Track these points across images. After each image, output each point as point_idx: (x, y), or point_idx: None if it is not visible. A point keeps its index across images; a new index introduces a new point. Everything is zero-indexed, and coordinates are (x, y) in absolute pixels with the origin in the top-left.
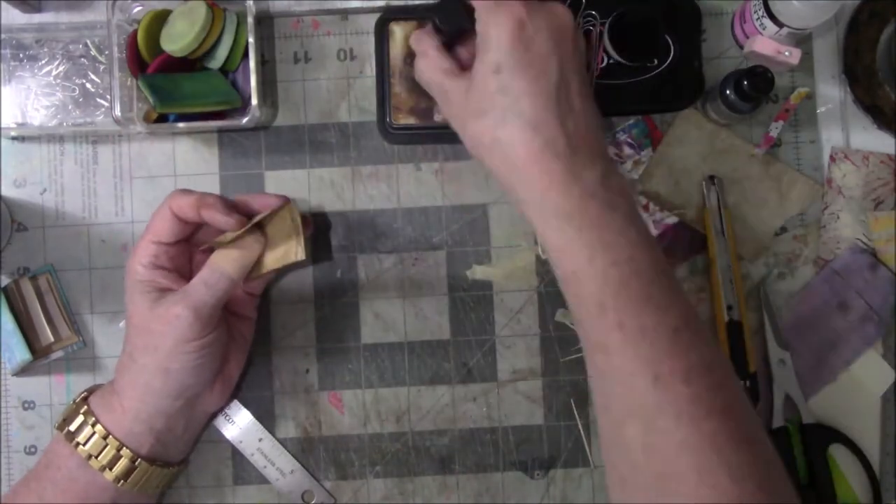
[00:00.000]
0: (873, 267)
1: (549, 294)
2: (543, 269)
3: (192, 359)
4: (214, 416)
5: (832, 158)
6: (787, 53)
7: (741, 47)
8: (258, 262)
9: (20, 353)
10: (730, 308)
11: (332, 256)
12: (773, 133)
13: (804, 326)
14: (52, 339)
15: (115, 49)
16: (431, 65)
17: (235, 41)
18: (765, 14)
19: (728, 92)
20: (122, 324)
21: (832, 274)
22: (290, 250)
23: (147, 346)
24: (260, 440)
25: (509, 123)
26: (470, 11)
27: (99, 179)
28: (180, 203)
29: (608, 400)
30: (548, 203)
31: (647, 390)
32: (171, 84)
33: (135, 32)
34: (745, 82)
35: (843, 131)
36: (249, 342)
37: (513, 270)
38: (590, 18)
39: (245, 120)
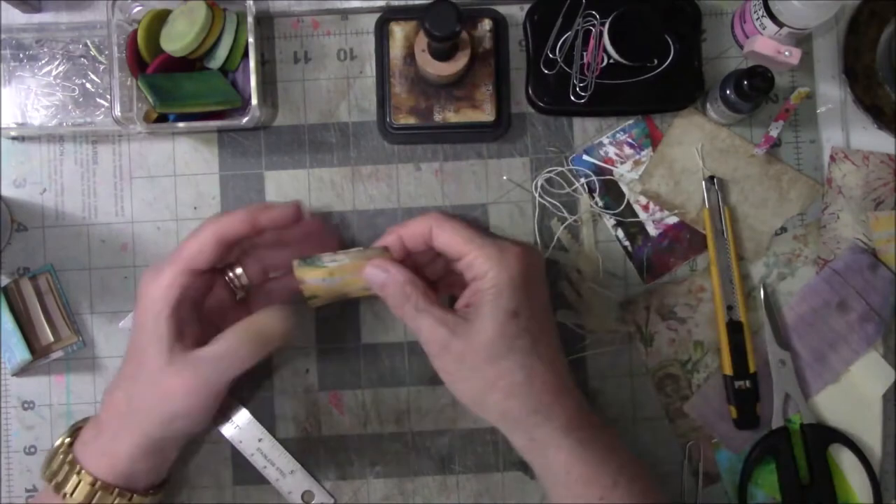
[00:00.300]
0: (873, 267)
1: (549, 294)
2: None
3: (203, 420)
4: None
5: (832, 158)
6: (787, 53)
7: (741, 47)
8: (346, 285)
9: (20, 353)
10: (730, 308)
11: None
12: (773, 133)
13: (804, 326)
14: (51, 338)
15: (115, 49)
16: (431, 323)
17: (235, 41)
18: (765, 14)
19: (728, 92)
20: (121, 324)
21: (832, 274)
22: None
23: (154, 398)
24: (260, 440)
25: (531, 364)
26: (462, 17)
27: (99, 179)
28: (227, 224)
29: None
30: (571, 436)
31: None
32: (171, 84)
33: (135, 32)
34: (745, 82)
35: (843, 131)
36: None
37: None
38: (590, 18)
39: (245, 120)
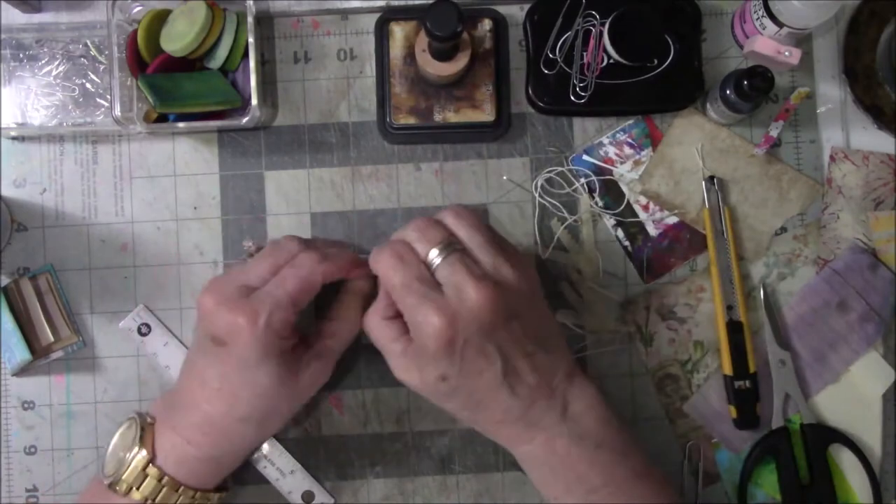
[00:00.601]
0: (873, 267)
1: (550, 294)
2: (543, 268)
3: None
4: None
5: (832, 158)
6: (787, 53)
7: (741, 47)
8: None
9: (20, 353)
10: (730, 308)
11: None
12: (773, 133)
13: (804, 326)
14: (51, 338)
15: (115, 49)
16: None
17: (235, 41)
18: (765, 14)
19: (728, 92)
20: (122, 324)
21: (832, 274)
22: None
23: (284, 412)
24: None
25: (473, 411)
26: (463, 17)
27: (99, 179)
28: (331, 270)
29: None
30: (523, 455)
31: None
32: (171, 84)
33: (135, 32)
34: (745, 82)
35: (843, 131)
36: None
37: None
38: (590, 18)
39: (245, 120)
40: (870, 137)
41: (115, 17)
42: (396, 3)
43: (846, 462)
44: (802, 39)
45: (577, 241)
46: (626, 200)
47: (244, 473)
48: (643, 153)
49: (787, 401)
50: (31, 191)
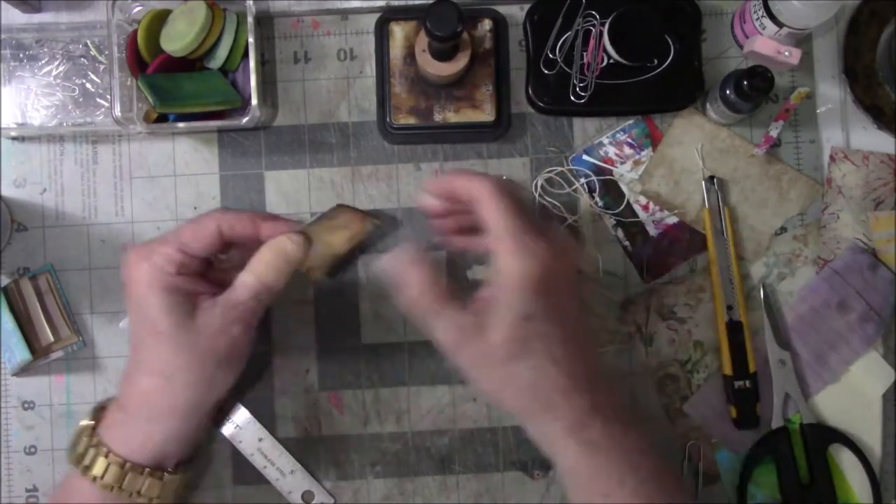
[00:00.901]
0: (873, 267)
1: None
2: None
3: (237, 372)
4: None
5: (832, 158)
6: (787, 53)
7: (741, 47)
8: (330, 245)
9: (20, 353)
10: (730, 308)
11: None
12: (773, 133)
13: (804, 326)
14: (51, 338)
15: (115, 49)
16: (445, 327)
17: (235, 41)
18: (765, 14)
19: (728, 92)
20: (122, 324)
21: (832, 274)
22: (356, 228)
23: (188, 364)
24: (260, 440)
25: (541, 366)
26: (463, 17)
27: (99, 179)
28: (232, 218)
29: None
30: (576, 436)
31: None
32: (171, 84)
33: (135, 32)
34: (745, 82)
35: (843, 131)
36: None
37: None
38: (590, 18)
39: (245, 120)
40: (870, 137)
41: (115, 17)
42: (396, 3)
43: (846, 462)
44: (802, 39)
45: (577, 241)
46: (626, 200)
47: (244, 473)
48: (643, 153)
49: (787, 401)
50: (31, 191)
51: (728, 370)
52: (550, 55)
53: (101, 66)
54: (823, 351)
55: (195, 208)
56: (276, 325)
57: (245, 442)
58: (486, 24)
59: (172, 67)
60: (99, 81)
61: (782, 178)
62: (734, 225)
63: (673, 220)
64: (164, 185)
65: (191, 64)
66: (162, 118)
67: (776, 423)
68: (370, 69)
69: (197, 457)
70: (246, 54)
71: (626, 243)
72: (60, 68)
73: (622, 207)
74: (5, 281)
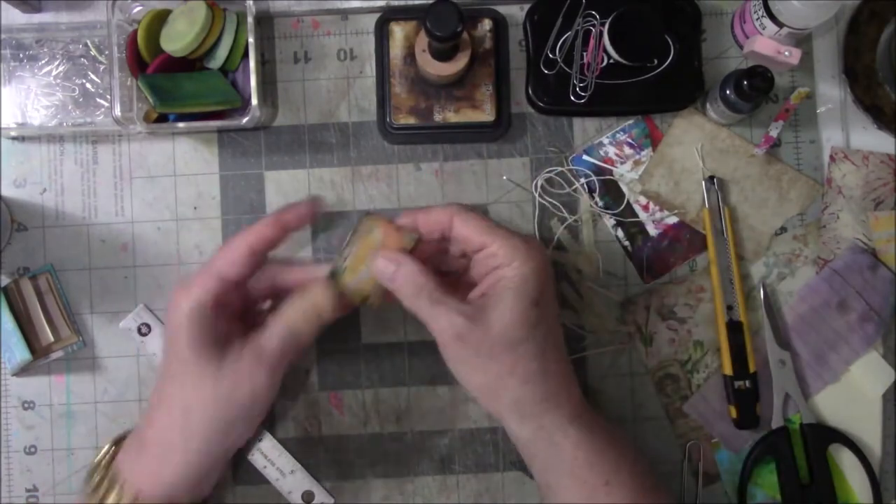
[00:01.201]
0: (873, 267)
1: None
2: None
3: (256, 421)
4: None
5: (832, 158)
6: (787, 53)
7: (741, 47)
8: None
9: (20, 353)
10: (730, 308)
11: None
12: (773, 133)
13: (804, 326)
14: (51, 338)
15: (115, 49)
16: (446, 312)
17: (235, 41)
18: (765, 14)
19: (728, 92)
20: (122, 324)
21: (832, 274)
22: (395, 244)
23: (207, 405)
24: (260, 440)
25: (545, 352)
26: (463, 17)
27: (99, 179)
28: (257, 232)
29: None
30: (577, 422)
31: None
32: (171, 84)
33: (135, 32)
34: (745, 82)
35: (843, 131)
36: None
37: None
38: (590, 18)
39: (245, 120)
40: (870, 137)
41: (115, 17)
42: (396, 3)
43: (846, 462)
44: (802, 39)
45: (577, 241)
46: (626, 200)
47: (244, 473)
48: (643, 153)
49: (787, 401)
50: (31, 191)
51: (728, 370)
52: (550, 55)
53: (101, 66)
54: (823, 351)
55: (195, 208)
56: None
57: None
58: (486, 24)
59: (172, 67)
60: (99, 81)
61: (782, 178)
62: (734, 225)
63: (673, 220)
64: (164, 185)
65: (191, 64)
66: (162, 118)
67: (776, 423)
68: (370, 69)
69: (212, 498)
70: (246, 54)
71: (626, 243)
72: (60, 68)
73: (622, 207)
74: (5, 281)
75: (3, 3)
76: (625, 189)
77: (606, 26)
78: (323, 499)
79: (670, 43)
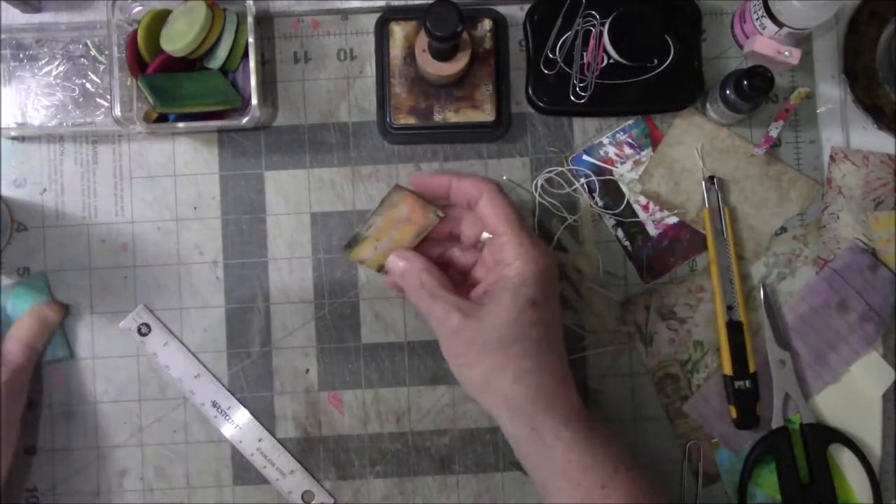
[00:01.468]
0: (873, 267)
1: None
2: None
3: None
4: None
5: (832, 158)
6: (787, 53)
7: (741, 47)
8: (398, 242)
9: (62, 351)
10: (730, 308)
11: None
12: (773, 133)
13: (804, 326)
14: None
15: (115, 49)
16: (443, 306)
17: (235, 41)
18: (765, 14)
19: (728, 92)
20: (122, 324)
21: (832, 274)
22: (420, 220)
23: None
24: (260, 440)
25: (541, 353)
26: (463, 17)
27: (99, 179)
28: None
29: None
30: (571, 425)
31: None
32: (171, 84)
33: (135, 32)
34: (745, 82)
35: (843, 131)
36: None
37: None
38: (590, 18)
39: (245, 120)
40: (870, 137)
41: (115, 17)
42: (396, 3)
43: (846, 462)
44: (802, 39)
45: (577, 241)
46: (626, 200)
47: (244, 473)
48: (643, 153)
49: (787, 401)
50: (31, 191)
51: (728, 370)
52: (550, 55)
53: (101, 66)
54: (823, 351)
55: (195, 208)
56: (276, 325)
57: (245, 442)
58: (486, 24)
59: (172, 67)
60: (99, 81)
61: (782, 178)
62: (734, 225)
63: (673, 220)
64: (164, 185)
65: (191, 64)
66: (162, 118)
67: (776, 423)
68: (370, 69)
69: None
70: (246, 54)
71: (626, 243)
72: (60, 68)
73: (622, 207)
74: (5, 281)
75: (3, 3)
76: (625, 189)
77: (606, 26)
78: (323, 499)
79: (670, 43)
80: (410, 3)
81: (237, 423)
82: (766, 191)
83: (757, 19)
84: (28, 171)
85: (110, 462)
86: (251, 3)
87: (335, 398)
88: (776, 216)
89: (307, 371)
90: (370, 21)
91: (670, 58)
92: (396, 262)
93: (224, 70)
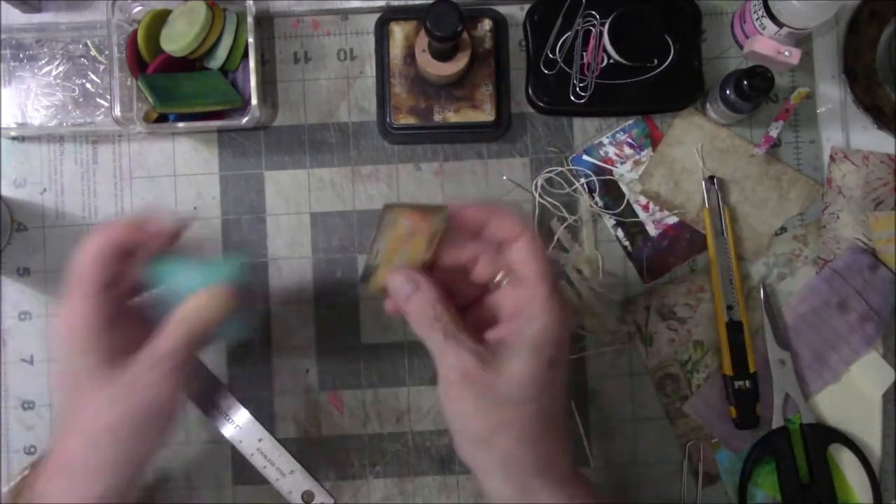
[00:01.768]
0: (873, 267)
1: None
2: None
3: (168, 428)
4: None
5: (832, 158)
6: (787, 53)
7: (741, 47)
8: (413, 259)
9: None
10: (730, 308)
11: None
12: (773, 133)
13: (804, 326)
14: None
15: (115, 49)
16: (459, 351)
17: (235, 41)
18: (765, 14)
19: (728, 92)
20: None
21: (832, 274)
22: (425, 229)
23: (114, 421)
24: (260, 440)
25: (549, 416)
26: (463, 17)
27: (99, 179)
28: (112, 232)
29: None
30: (564, 490)
31: None
32: (171, 84)
33: (135, 32)
34: (745, 82)
35: (843, 131)
36: None
37: None
38: (590, 18)
39: (245, 120)
40: (870, 137)
41: (115, 17)
42: (396, 3)
43: (846, 462)
44: (802, 39)
45: (577, 241)
46: (626, 200)
47: (244, 473)
48: (643, 153)
49: (787, 401)
50: (31, 191)
51: (728, 370)
52: (550, 55)
53: (101, 66)
54: (823, 351)
55: (195, 208)
56: (276, 325)
57: (245, 442)
58: (486, 24)
59: (172, 67)
60: (99, 81)
61: (782, 178)
62: (734, 225)
63: (673, 220)
64: (164, 185)
65: (191, 64)
66: (162, 118)
67: (776, 423)
68: (370, 69)
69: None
70: (246, 54)
71: (626, 243)
72: (60, 68)
73: (622, 207)
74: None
75: (3, 3)
76: (625, 189)
77: (606, 26)
78: (323, 499)
79: (670, 43)
80: (410, 3)
81: (237, 423)
82: (766, 191)
83: (757, 19)
84: (28, 171)
85: None
86: (251, 3)
87: (335, 398)
88: (776, 216)
89: (307, 371)
90: (370, 21)
91: (670, 58)
92: (403, 285)
93: (224, 70)
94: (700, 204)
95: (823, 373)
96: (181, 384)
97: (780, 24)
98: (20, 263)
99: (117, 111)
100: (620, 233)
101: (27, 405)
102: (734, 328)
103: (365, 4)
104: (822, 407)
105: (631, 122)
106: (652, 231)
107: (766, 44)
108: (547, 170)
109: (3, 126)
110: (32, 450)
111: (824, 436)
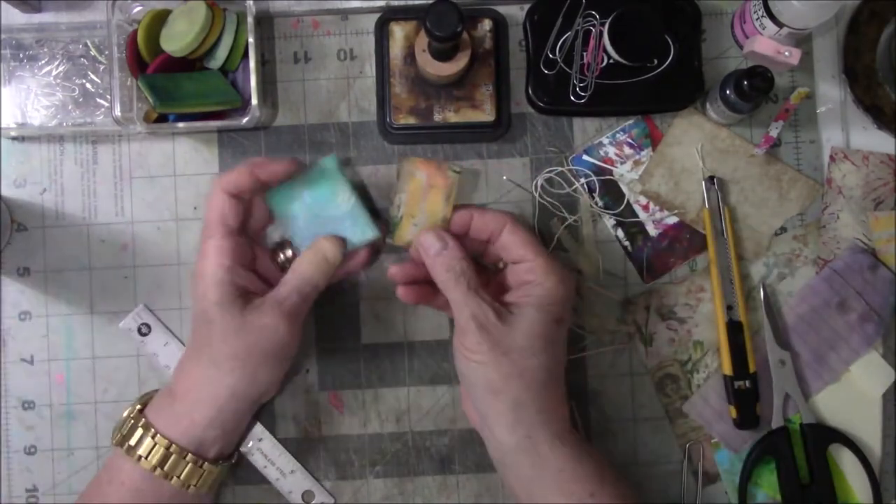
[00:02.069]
0: (873, 267)
1: None
2: None
3: (280, 370)
4: None
5: (832, 158)
6: (787, 53)
7: (741, 47)
8: (433, 213)
9: (368, 231)
10: (730, 308)
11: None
12: (773, 133)
13: (804, 326)
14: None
15: (115, 49)
16: (480, 303)
17: (235, 41)
18: (765, 14)
19: (728, 92)
20: (122, 324)
21: (832, 274)
22: (442, 181)
23: (235, 354)
24: (260, 440)
25: (553, 368)
26: (463, 17)
27: (99, 179)
28: (229, 179)
29: None
30: (565, 437)
31: None
32: (171, 84)
33: (135, 32)
34: (745, 82)
35: (843, 131)
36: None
37: None
38: (590, 18)
39: (245, 120)
40: (870, 137)
41: (115, 17)
42: (396, 3)
43: (846, 462)
44: (802, 39)
45: (577, 241)
46: (626, 200)
47: (244, 473)
48: (643, 153)
49: (787, 401)
50: (31, 191)
51: (728, 370)
52: (550, 55)
53: (101, 66)
54: (823, 351)
55: (195, 208)
56: None
57: (245, 442)
58: (486, 24)
59: (172, 67)
60: (99, 81)
61: (782, 178)
62: (734, 225)
63: (673, 220)
64: (164, 185)
65: (191, 64)
66: (162, 118)
67: (776, 423)
68: (370, 69)
69: (234, 454)
70: (246, 54)
71: (626, 243)
72: (60, 68)
73: (622, 207)
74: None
75: (3, 3)
76: (625, 189)
77: (606, 26)
78: (323, 499)
79: (670, 43)
80: (410, 3)
81: None
82: (766, 191)
83: (757, 19)
84: (28, 171)
85: None
86: (251, 3)
87: (335, 398)
88: (776, 216)
89: (307, 371)
90: (370, 21)
91: (670, 58)
92: (433, 242)
93: (224, 70)
94: (700, 204)
95: (823, 373)
96: (296, 328)
97: (780, 25)
98: (20, 263)
99: (117, 111)
100: (620, 233)
101: (27, 405)
102: (734, 328)
103: (365, 4)
104: (822, 407)
105: (631, 122)
106: (652, 231)
107: (766, 44)
108: (547, 170)
109: (3, 126)
110: (32, 450)
111: (824, 436)
